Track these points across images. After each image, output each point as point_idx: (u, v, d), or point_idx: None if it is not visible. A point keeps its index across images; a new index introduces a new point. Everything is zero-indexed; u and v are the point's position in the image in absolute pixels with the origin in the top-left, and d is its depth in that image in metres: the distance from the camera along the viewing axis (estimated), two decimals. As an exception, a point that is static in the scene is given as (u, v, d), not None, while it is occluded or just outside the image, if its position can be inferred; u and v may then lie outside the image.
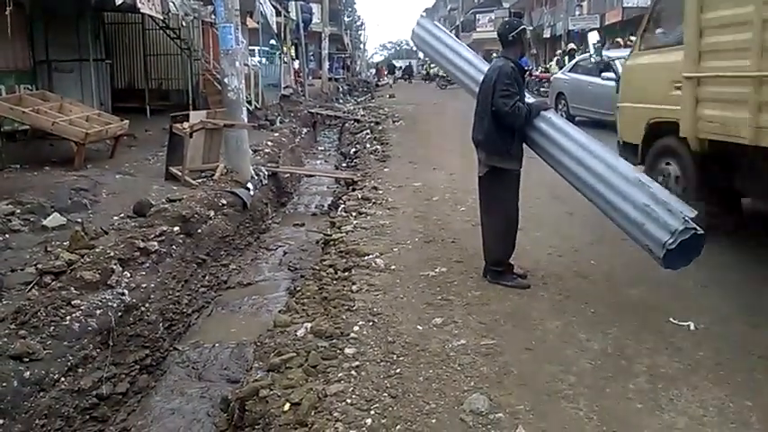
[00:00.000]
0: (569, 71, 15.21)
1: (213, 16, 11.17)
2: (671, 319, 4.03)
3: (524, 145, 4.74)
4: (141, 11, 11.29)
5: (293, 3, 25.69)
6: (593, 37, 12.47)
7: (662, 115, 5.81)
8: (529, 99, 4.81)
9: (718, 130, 4.74)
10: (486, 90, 4.63)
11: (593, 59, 12.82)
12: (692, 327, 3.93)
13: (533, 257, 5.37)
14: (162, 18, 12.84)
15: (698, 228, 3.81)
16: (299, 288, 5.59)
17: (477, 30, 52.83)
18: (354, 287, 4.80)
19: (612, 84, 12.29)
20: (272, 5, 19.25)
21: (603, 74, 12.69)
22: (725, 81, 4.66)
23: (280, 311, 5.11)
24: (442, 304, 4.43)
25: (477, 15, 57.49)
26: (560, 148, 4.57)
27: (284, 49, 23.83)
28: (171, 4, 12.66)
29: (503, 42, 4.79)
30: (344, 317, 4.22)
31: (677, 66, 5.19)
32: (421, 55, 58.47)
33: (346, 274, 5.20)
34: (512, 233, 4.81)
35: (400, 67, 56.75)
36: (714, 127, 4.79)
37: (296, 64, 26.14)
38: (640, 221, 4.00)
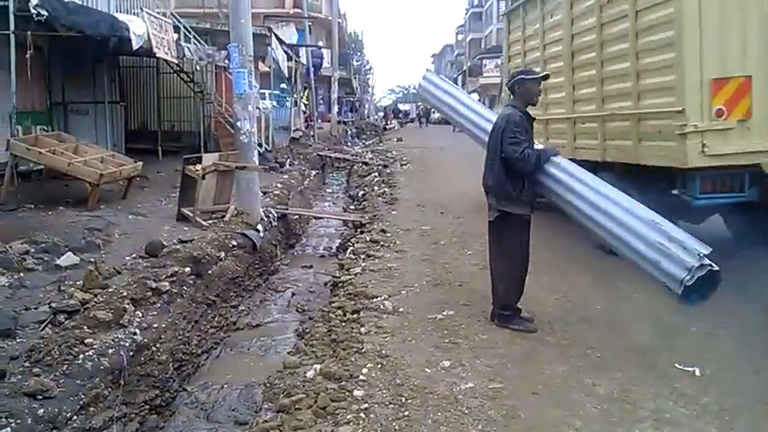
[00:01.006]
0: None
1: (226, 61, 11.46)
2: (676, 365, 4.07)
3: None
4: (157, 55, 11.63)
5: (304, 48, 26.27)
6: None
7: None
8: (538, 145, 4.91)
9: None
10: (496, 137, 4.77)
11: None
12: (697, 372, 3.97)
13: (540, 302, 5.42)
14: (177, 62, 13.17)
15: (713, 264, 3.89)
16: (308, 330, 5.65)
17: (484, 75, 53.64)
18: (363, 329, 4.86)
19: None
20: (284, 51, 19.69)
21: None
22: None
23: (289, 353, 5.16)
24: (449, 347, 4.48)
25: (484, 61, 58.44)
26: (572, 191, 4.67)
27: (295, 95, 24.27)
28: (186, 49, 13.03)
29: (511, 91, 4.95)
30: (353, 359, 4.27)
31: None
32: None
33: (355, 316, 5.27)
34: (521, 278, 4.87)
35: (406, 112, 57.67)
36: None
37: (306, 108, 26.55)
38: (656, 260, 4.07)
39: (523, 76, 4.90)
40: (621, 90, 6.70)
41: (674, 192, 5.96)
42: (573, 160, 5.45)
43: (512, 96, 4.99)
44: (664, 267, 4.03)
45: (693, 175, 5.71)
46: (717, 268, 3.89)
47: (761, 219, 6.28)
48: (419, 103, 70.70)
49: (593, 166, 6.45)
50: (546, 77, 5.15)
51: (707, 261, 3.89)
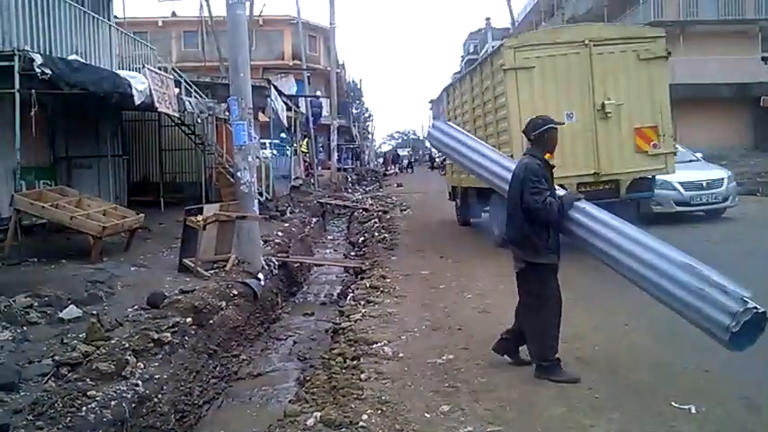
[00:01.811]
0: None
1: (227, 113, 11.72)
2: (672, 403, 4.08)
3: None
4: (159, 110, 11.89)
5: (303, 98, 26.75)
6: None
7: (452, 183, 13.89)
8: (559, 191, 4.85)
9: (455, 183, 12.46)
10: (515, 188, 4.73)
11: None
12: (692, 410, 3.98)
13: (538, 344, 5.44)
14: (178, 116, 13.45)
15: (758, 307, 3.75)
16: (308, 377, 5.66)
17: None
18: (363, 375, 4.90)
19: None
20: (283, 101, 20.07)
21: None
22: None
23: (290, 401, 5.17)
24: (449, 391, 4.52)
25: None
26: (600, 237, 4.56)
27: (295, 144, 24.62)
28: (187, 102, 13.33)
29: (528, 139, 4.89)
30: (353, 405, 4.30)
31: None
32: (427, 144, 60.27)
33: (355, 362, 5.30)
34: (555, 327, 4.72)
35: (405, 156, 58.40)
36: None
37: (306, 156, 26.89)
38: (698, 306, 3.93)
39: (551, 125, 4.81)
40: (489, 142, 8.85)
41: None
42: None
43: (530, 144, 4.90)
44: (707, 314, 3.85)
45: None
46: (762, 310, 3.76)
47: None
48: (409, 149, 71.77)
49: (488, 191, 9.18)
50: (560, 124, 5.05)
51: (751, 304, 3.75)
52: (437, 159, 41.72)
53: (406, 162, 54.91)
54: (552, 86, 9.38)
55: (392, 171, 50.37)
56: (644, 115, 9.67)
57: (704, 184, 12.13)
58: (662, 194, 11.77)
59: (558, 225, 4.69)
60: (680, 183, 11.93)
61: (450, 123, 6.66)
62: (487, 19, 63.92)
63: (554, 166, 4.91)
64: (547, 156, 4.82)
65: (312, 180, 24.86)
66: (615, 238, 4.48)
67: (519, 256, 4.76)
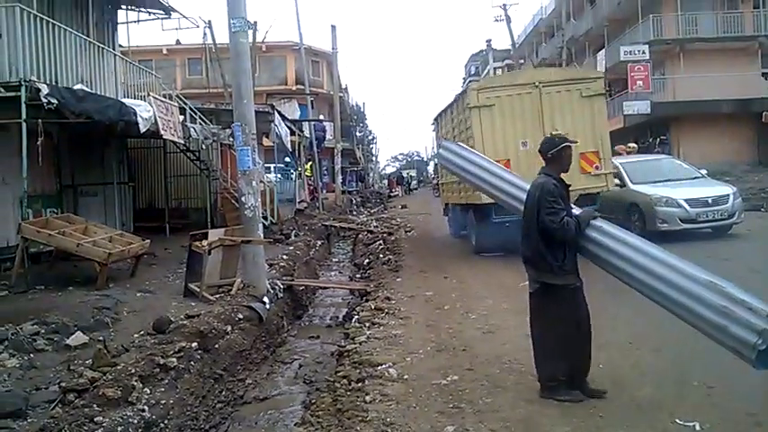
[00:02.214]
0: None
1: (231, 139, 11.84)
2: (677, 420, 4.09)
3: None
4: (164, 137, 12.02)
5: (307, 122, 26.96)
6: None
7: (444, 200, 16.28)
8: (575, 210, 4.81)
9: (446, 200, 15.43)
10: (531, 208, 4.69)
11: None
12: (697, 427, 3.98)
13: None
14: (183, 142, 13.59)
15: None
16: (314, 401, 5.67)
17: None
18: (368, 397, 4.91)
19: (619, 189, 12.89)
20: (287, 126, 20.23)
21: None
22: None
23: (296, 425, 5.19)
24: (453, 412, 4.53)
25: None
26: (619, 256, 4.51)
27: (299, 168, 24.78)
28: (192, 129, 13.47)
29: (544, 158, 4.85)
30: (359, 428, 4.32)
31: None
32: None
33: (360, 384, 5.31)
34: (566, 348, 4.63)
35: (410, 177, 58.69)
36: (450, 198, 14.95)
37: (310, 180, 27.01)
38: (722, 325, 3.85)
39: (567, 143, 4.80)
40: None
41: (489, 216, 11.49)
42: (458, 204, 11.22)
43: (546, 164, 4.86)
44: (733, 332, 3.79)
45: (490, 207, 11.00)
46: None
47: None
48: (408, 171, 72.11)
49: (463, 207, 13.45)
50: (574, 142, 5.01)
51: None
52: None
53: (414, 183, 55.04)
54: (509, 120, 11.52)
55: (396, 193, 50.53)
56: (587, 142, 11.26)
57: (710, 201, 12.06)
58: (667, 212, 11.93)
59: (575, 244, 4.64)
60: (685, 200, 11.97)
61: (459, 144, 6.57)
62: (488, 41, 64.32)
63: (569, 186, 4.87)
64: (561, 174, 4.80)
65: (317, 203, 24.95)
66: (634, 256, 4.42)
67: (534, 276, 4.72)
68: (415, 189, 52.93)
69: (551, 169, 4.77)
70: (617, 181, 12.92)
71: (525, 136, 11.26)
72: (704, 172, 13.81)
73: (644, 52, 27.59)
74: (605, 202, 11.85)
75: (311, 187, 26.65)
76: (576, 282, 4.65)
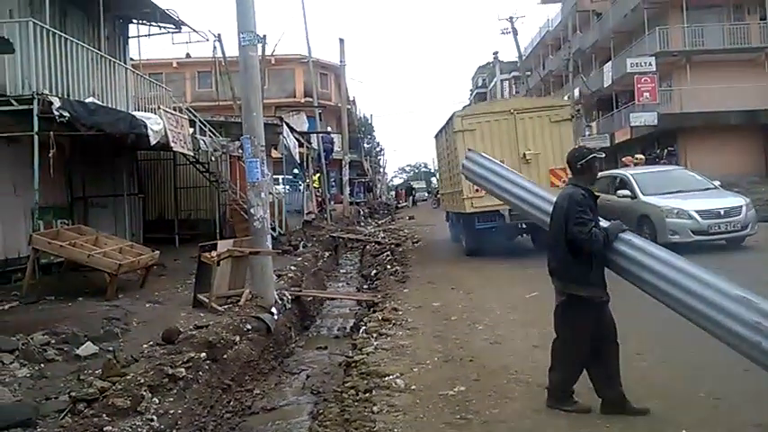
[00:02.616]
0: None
1: (240, 150, 11.93)
2: (683, 431, 4.09)
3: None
4: (174, 149, 12.13)
5: (315, 134, 27.11)
6: None
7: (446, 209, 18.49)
8: (603, 222, 4.70)
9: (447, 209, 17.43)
10: (558, 219, 4.62)
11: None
12: (703, 439, 3.99)
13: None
14: (192, 155, 13.70)
15: None
16: (321, 411, 5.69)
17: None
18: (375, 408, 4.93)
19: (629, 201, 12.87)
20: (295, 138, 20.36)
21: (619, 191, 12.95)
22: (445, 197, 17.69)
23: (303, 435, 5.21)
24: (461, 423, 4.54)
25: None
26: (648, 270, 4.38)
27: (307, 180, 24.89)
28: (201, 141, 13.59)
29: (572, 170, 4.78)
30: (366, 438, 4.33)
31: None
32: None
33: (367, 395, 5.33)
34: (585, 362, 4.58)
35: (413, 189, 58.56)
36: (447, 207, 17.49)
37: (318, 191, 27.10)
38: (755, 340, 3.73)
39: (596, 154, 4.73)
40: (453, 181, 15.21)
41: (473, 224, 13.70)
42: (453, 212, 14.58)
43: (573, 175, 4.82)
44: (765, 348, 3.68)
45: (473, 215, 13.47)
46: None
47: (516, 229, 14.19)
48: (418, 182, 72.08)
49: (457, 215, 15.60)
50: (601, 154, 4.92)
51: None
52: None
53: (418, 195, 54.83)
54: (489, 142, 13.38)
55: (404, 204, 50.60)
56: (556, 160, 13.04)
57: (722, 213, 11.83)
58: (678, 224, 11.76)
59: (602, 257, 4.52)
60: (697, 211, 11.77)
61: (484, 155, 6.45)
62: (495, 53, 64.65)
63: (598, 197, 4.81)
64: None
65: (325, 215, 25.05)
66: (664, 270, 4.29)
67: (560, 288, 4.65)
68: (423, 200, 52.77)
69: (580, 180, 4.72)
70: (627, 192, 12.89)
71: (503, 155, 12.49)
72: (717, 183, 13.53)
73: (651, 64, 27.64)
74: (614, 214, 10.84)
75: (319, 199, 26.74)
76: (604, 296, 4.56)
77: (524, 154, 13.36)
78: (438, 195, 34.56)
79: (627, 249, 4.50)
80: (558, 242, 4.60)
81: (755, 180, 24.12)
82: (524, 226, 13.86)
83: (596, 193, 4.79)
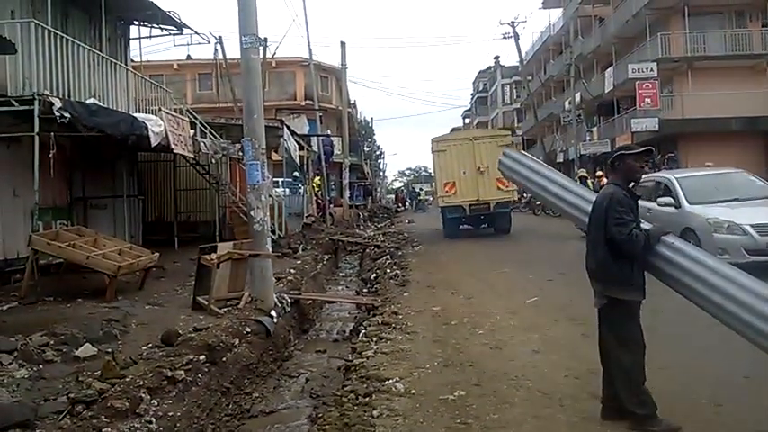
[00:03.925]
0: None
1: (241, 153, 11.91)
2: (685, 438, 4.07)
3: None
4: (174, 151, 12.12)
5: (315, 137, 27.11)
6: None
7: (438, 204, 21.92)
8: (645, 224, 4.56)
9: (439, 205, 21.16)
10: (598, 218, 4.46)
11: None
12: (704, 446, 3.97)
13: (550, 379, 5.46)
14: (193, 157, 13.69)
15: None
16: (320, 415, 5.67)
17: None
18: (375, 412, 4.91)
19: (672, 210, 10.83)
20: (296, 141, 20.36)
21: (661, 199, 10.94)
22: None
23: (302, 438, 5.19)
24: (460, 428, 4.53)
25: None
26: (690, 274, 4.21)
27: (308, 182, 24.90)
28: (202, 143, 13.58)
29: (612, 168, 4.67)
30: (365, 442, 4.31)
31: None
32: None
33: (367, 399, 5.32)
34: (641, 365, 4.43)
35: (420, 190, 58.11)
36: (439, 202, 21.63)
37: (319, 195, 27.09)
38: None
39: (623, 152, 4.58)
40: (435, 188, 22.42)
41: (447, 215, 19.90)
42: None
43: (611, 174, 4.73)
44: None
45: (445, 209, 19.92)
46: None
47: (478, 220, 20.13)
48: (420, 185, 71.91)
49: (449, 208, 19.84)
50: (649, 152, 4.74)
51: None
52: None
53: (414, 202, 54.25)
54: (455, 159, 19.43)
55: (404, 208, 50.57)
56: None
57: None
58: (729, 240, 9.87)
59: (642, 260, 4.37)
60: (753, 225, 9.73)
61: (523, 152, 6.24)
62: (497, 58, 64.69)
63: (640, 197, 4.65)
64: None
65: (325, 218, 25.06)
66: (708, 276, 4.12)
67: (600, 291, 4.46)
68: (426, 202, 52.46)
69: (618, 179, 4.57)
70: (669, 200, 11.11)
71: (464, 168, 19.22)
72: None
73: (652, 70, 27.67)
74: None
75: (322, 203, 26.73)
76: (642, 298, 4.42)
77: (479, 167, 18.89)
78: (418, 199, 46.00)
79: (669, 253, 4.33)
80: (598, 243, 4.45)
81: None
82: (483, 216, 19.96)
83: (637, 194, 4.65)
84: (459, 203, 19.12)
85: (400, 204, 52.74)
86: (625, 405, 4.37)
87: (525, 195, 33.46)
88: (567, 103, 37.07)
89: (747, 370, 5.31)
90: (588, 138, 35.96)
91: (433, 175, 24.76)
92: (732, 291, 3.97)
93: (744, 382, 5.12)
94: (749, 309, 3.85)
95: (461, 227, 20.45)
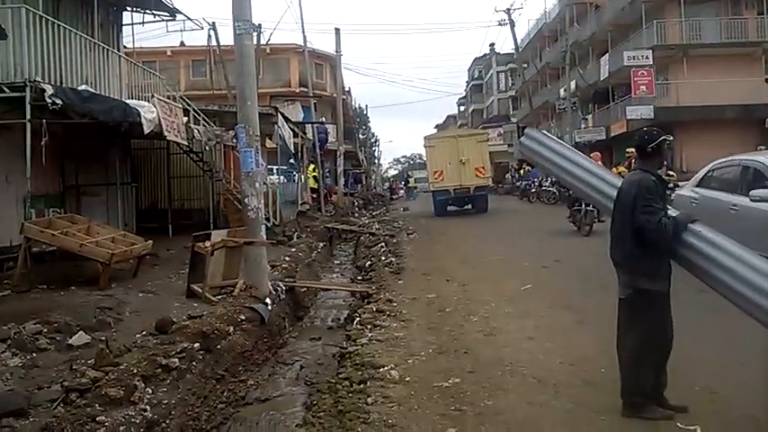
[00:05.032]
0: (698, 185, 9.67)
1: (234, 140, 11.85)
2: (678, 424, 4.09)
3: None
4: (168, 138, 12.04)
5: (310, 125, 26.99)
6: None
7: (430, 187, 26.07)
8: (672, 212, 4.37)
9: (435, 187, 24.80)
10: (625, 206, 4.29)
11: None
12: (698, 431, 3.98)
13: (544, 366, 5.47)
14: (186, 144, 13.61)
15: None
16: (315, 402, 5.67)
17: (488, 144, 54.42)
18: (369, 399, 4.92)
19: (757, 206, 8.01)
20: (290, 128, 20.26)
21: (754, 192, 7.90)
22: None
23: (297, 426, 5.20)
24: (455, 415, 4.53)
25: (487, 130, 59.65)
26: (719, 266, 4.06)
27: (303, 170, 24.85)
28: (195, 130, 13.50)
29: (641, 154, 4.45)
30: (360, 429, 4.33)
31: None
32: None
33: (361, 386, 5.32)
34: (656, 359, 4.33)
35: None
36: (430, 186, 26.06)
37: (316, 183, 27.07)
38: None
39: (665, 136, 4.37)
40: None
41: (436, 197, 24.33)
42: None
43: (641, 159, 4.49)
44: None
45: (434, 192, 24.44)
46: None
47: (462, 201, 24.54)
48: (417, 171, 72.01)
49: (436, 191, 24.34)
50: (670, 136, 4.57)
51: None
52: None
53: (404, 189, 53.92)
54: (443, 153, 23.77)
55: (399, 195, 50.53)
56: (479, 162, 23.57)
57: None
58: None
59: (671, 249, 4.21)
60: None
61: (545, 133, 5.94)
62: (492, 45, 64.37)
63: (668, 183, 4.51)
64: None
65: (326, 206, 25.34)
66: (738, 268, 3.96)
67: (626, 281, 4.33)
68: (415, 189, 52.24)
69: (650, 165, 4.38)
70: (765, 192, 7.84)
71: (450, 160, 23.44)
72: None
73: (647, 57, 27.61)
74: (745, 228, 7.48)
75: (324, 191, 26.97)
76: (668, 288, 4.31)
77: (461, 159, 23.18)
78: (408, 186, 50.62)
79: (697, 242, 4.18)
80: (625, 232, 4.30)
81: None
82: (465, 198, 24.29)
83: (666, 178, 4.48)
84: (446, 187, 23.57)
85: (395, 193, 52.65)
86: (624, 389, 4.37)
87: (521, 183, 33.58)
88: (562, 90, 36.96)
89: (742, 356, 5.34)
90: (583, 125, 35.91)
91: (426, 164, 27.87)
92: (762, 283, 3.83)
93: (739, 368, 5.14)
94: None
95: (448, 207, 24.54)
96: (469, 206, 24.81)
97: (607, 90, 33.45)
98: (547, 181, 27.46)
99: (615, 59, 30.38)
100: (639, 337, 4.29)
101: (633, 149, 18.69)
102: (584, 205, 14.46)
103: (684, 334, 4.35)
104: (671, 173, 17.26)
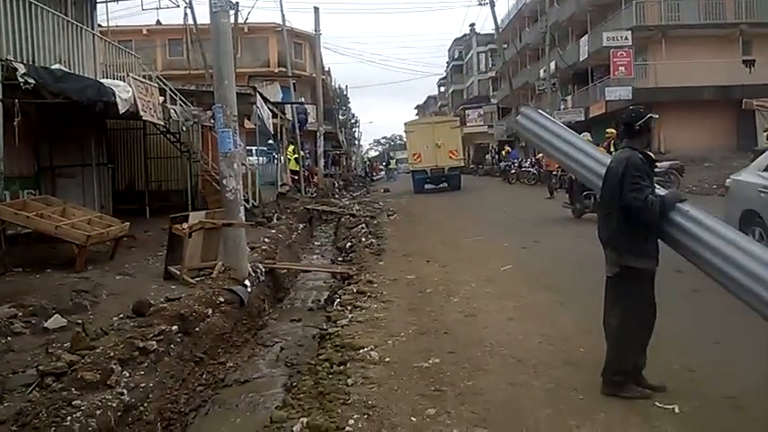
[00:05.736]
0: (766, 170, 7.57)
1: (212, 121, 11.68)
2: (656, 403, 4.13)
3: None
4: (144, 118, 11.84)
5: (289, 105, 26.75)
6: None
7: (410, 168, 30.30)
8: (660, 190, 4.39)
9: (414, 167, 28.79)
10: (612, 184, 4.31)
11: None
12: (676, 410, 4.03)
13: (524, 347, 5.50)
14: (163, 124, 13.40)
15: None
16: (295, 383, 5.66)
17: (468, 125, 54.64)
18: (350, 380, 4.91)
19: None
20: (269, 108, 20.04)
21: None
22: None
23: (276, 407, 5.16)
24: (435, 395, 4.53)
25: (467, 111, 59.74)
26: (705, 245, 4.07)
27: (283, 151, 24.67)
28: (172, 110, 13.29)
29: (628, 132, 4.46)
30: (340, 411, 4.31)
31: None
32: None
33: (342, 367, 5.31)
34: (643, 340, 4.37)
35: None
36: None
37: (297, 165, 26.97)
38: None
39: (652, 115, 4.39)
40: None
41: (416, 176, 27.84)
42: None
43: (626, 138, 4.51)
44: None
45: (413, 172, 28.24)
46: None
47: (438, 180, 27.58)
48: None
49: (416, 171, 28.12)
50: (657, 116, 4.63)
51: None
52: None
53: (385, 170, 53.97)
54: (421, 137, 27.05)
55: (379, 176, 50.47)
56: (452, 146, 26.60)
57: None
58: None
59: (656, 228, 4.24)
60: None
61: (541, 111, 5.93)
62: (472, 25, 64.13)
63: (656, 161, 4.50)
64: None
65: (309, 188, 25.33)
66: (724, 248, 3.97)
67: (613, 259, 4.33)
68: (395, 170, 52.14)
69: (637, 143, 4.40)
70: None
71: (427, 144, 26.49)
72: None
73: (626, 38, 27.69)
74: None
75: (305, 173, 27.04)
76: (655, 266, 4.33)
77: (437, 143, 26.13)
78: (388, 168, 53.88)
79: (684, 221, 4.19)
80: (612, 209, 4.32)
81: (726, 155, 24.41)
82: (441, 177, 27.10)
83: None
84: (424, 168, 26.85)
85: (375, 173, 52.59)
86: (606, 368, 4.40)
87: (501, 164, 33.68)
88: (542, 71, 36.96)
89: (717, 336, 5.41)
90: (563, 106, 36.02)
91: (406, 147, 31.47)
92: (748, 264, 3.84)
93: (714, 347, 5.21)
94: (765, 283, 3.73)
95: (426, 186, 27.79)
96: (445, 184, 27.59)
97: (586, 71, 33.54)
98: (527, 162, 27.69)
99: (594, 40, 30.44)
100: (625, 317, 4.31)
101: (613, 130, 18.71)
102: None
103: (662, 314, 4.38)
104: (649, 153, 17.24)
